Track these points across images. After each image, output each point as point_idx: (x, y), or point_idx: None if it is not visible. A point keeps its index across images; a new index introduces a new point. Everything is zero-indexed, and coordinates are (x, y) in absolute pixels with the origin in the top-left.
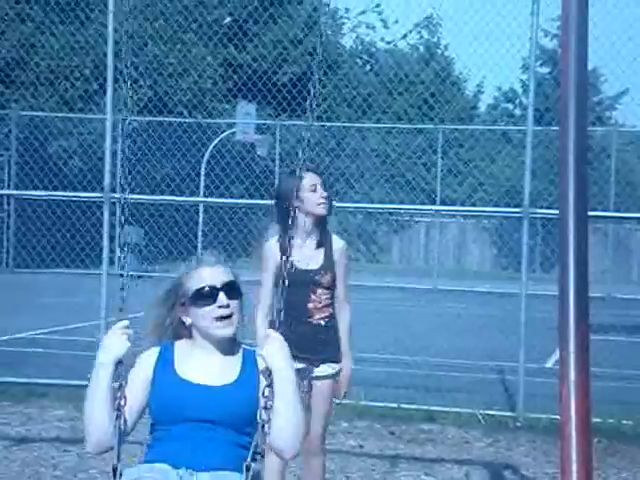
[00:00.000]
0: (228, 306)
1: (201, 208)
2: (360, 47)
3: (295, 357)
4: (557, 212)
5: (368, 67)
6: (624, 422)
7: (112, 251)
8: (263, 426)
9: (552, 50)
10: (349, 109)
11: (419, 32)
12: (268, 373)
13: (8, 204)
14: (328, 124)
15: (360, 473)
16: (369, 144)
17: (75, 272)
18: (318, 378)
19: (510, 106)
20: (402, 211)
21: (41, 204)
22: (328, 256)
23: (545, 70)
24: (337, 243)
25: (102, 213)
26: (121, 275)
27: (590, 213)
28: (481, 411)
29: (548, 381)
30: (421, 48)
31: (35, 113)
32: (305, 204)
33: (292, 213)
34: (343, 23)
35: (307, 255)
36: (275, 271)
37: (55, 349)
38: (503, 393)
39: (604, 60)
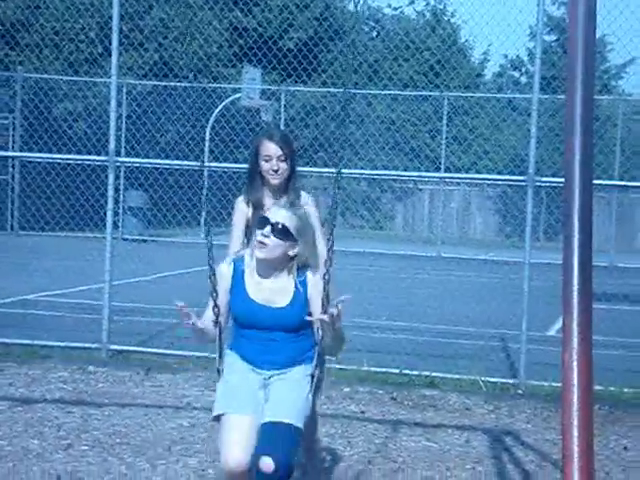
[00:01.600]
0: (266, 237)
1: (206, 173)
2: (367, 13)
3: None
4: (562, 180)
5: (374, 33)
6: (625, 390)
7: (116, 214)
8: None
9: (559, 18)
10: (355, 75)
11: None
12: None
13: (13, 167)
14: (334, 90)
15: (361, 438)
16: (375, 111)
17: (79, 235)
18: None
19: (516, 74)
20: (406, 178)
21: (45, 167)
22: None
23: (552, 38)
24: (304, 198)
25: (107, 176)
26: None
27: (595, 182)
28: (483, 378)
29: (550, 349)
30: (427, 15)
31: (40, 75)
32: (262, 170)
33: (255, 174)
34: None
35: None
36: (244, 225)
37: (59, 311)
38: (505, 360)
39: (611, 28)
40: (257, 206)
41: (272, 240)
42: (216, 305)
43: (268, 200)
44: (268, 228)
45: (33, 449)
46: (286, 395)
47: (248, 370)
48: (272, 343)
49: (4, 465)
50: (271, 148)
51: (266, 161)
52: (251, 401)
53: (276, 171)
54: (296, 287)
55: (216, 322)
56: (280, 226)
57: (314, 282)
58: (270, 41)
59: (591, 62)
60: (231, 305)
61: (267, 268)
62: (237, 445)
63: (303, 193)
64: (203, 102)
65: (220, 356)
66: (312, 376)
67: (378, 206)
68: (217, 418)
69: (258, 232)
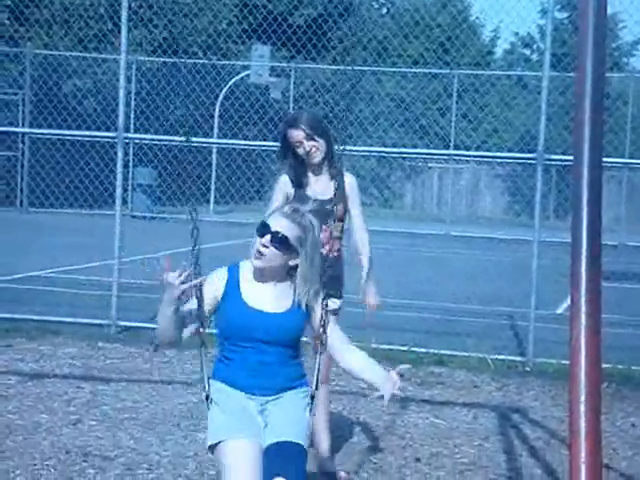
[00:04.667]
0: (265, 247)
1: (214, 150)
2: None
3: None
4: (572, 158)
5: (384, 10)
6: (634, 368)
7: (125, 191)
8: (322, 345)
9: None
10: (364, 52)
11: None
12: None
13: (22, 142)
14: (343, 67)
15: (369, 414)
16: (384, 88)
17: (88, 212)
18: None
19: (527, 51)
20: (415, 156)
21: (55, 143)
22: (340, 188)
23: (563, 15)
24: (348, 177)
25: (115, 153)
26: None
27: (605, 160)
28: (491, 356)
29: (558, 327)
30: None
31: (49, 52)
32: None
33: (289, 157)
34: None
35: (319, 187)
36: (282, 202)
37: (68, 288)
38: (513, 338)
39: (623, 5)
40: (299, 184)
41: (270, 251)
42: (200, 290)
43: (311, 177)
44: (267, 237)
45: (43, 423)
46: (286, 415)
47: (240, 396)
48: (263, 364)
49: (15, 439)
50: (296, 134)
51: (298, 147)
52: (252, 425)
53: (308, 152)
54: (295, 297)
55: (198, 318)
56: (280, 236)
57: (313, 295)
58: (280, 18)
59: (602, 39)
60: (221, 314)
61: (266, 276)
62: (245, 470)
63: (345, 172)
64: (212, 79)
65: (207, 381)
66: (312, 397)
67: (387, 184)
68: (212, 448)
69: (258, 240)
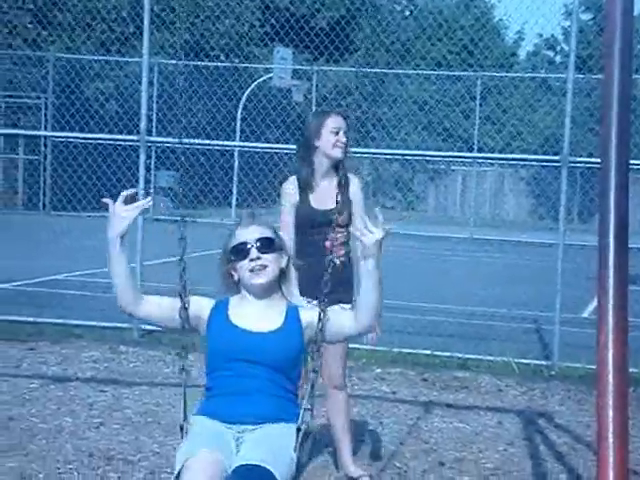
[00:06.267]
0: (259, 258)
1: (236, 153)
2: None
3: (310, 296)
4: (596, 161)
5: (407, 12)
6: None
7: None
8: (314, 370)
9: None
10: (387, 54)
11: None
12: (314, 326)
13: (45, 146)
14: (366, 70)
15: (393, 419)
16: (407, 90)
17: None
18: None
19: (551, 53)
20: (439, 159)
21: (77, 146)
22: (344, 195)
23: (588, 16)
24: (353, 183)
25: (138, 156)
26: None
27: (631, 162)
28: (515, 360)
29: (584, 331)
30: None
31: (72, 55)
32: (323, 144)
33: (312, 152)
34: None
35: (323, 194)
36: (293, 209)
37: (91, 291)
38: (538, 342)
39: None
40: (306, 187)
41: (266, 258)
42: (183, 300)
43: (319, 182)
44: (254, 251)
45: (66, 427)
46: (263, 441)
47: (217, 424)
48: (245, 388)
49: (38, 442)
50: (339, 120)
51: (335, 133)
52: (218, 440)
53: (343, 143)
54: (287, 313)
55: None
56: (263, 240)
57: (304, 310)
58: (302, 20)
59: (629, 39)
60: (207, 340)
61: (260, 295)
62: (200, 473)
63: (351, 175)
64: (235, 81)
65: (185, 414)
66: (298, 429)
67: (410, 187)
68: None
69: (244, 263)
